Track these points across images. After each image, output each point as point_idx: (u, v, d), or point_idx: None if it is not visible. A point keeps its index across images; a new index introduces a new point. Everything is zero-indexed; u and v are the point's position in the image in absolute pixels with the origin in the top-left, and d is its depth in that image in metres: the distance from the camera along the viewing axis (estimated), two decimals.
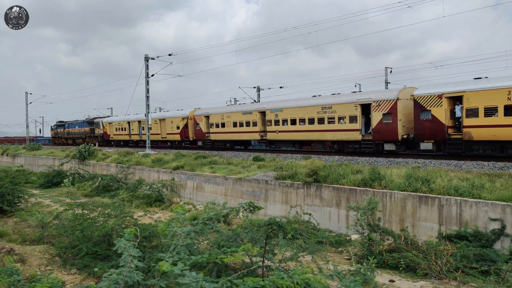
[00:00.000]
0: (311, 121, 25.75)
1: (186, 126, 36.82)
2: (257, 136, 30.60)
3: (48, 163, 36.57)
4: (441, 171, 13.66)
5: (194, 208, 19.19)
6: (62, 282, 5.72)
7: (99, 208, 11.71)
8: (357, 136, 23.23)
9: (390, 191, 12.88)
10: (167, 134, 39.80)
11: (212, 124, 34.51)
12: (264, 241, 7.32)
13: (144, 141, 39.39)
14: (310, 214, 13.47)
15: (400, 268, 9.55)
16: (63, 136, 59.33)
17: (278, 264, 6.80)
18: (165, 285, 4.24)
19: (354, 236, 12.22)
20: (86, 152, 33.07)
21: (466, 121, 18.68)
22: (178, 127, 37.93)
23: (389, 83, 42.45)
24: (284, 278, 3.96)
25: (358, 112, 23.17)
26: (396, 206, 12.61)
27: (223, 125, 33.43)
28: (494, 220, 10.54)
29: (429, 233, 11.43)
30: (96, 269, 8.68)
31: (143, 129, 40.98)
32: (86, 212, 11.60)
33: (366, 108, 23.01)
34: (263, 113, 30.01)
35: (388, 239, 10.85)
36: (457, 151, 19.34)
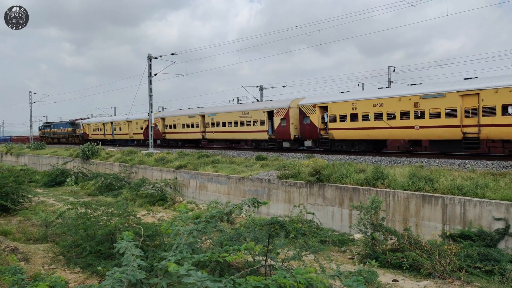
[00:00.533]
0: (236, 124, 32.18)
1: (147, 127, 41.06)
2: (199, 136, 36.48)
3: (51, 162, 36.73)
4: (444, 170, 13.61)
5: (197, 207, 19.21)
6: (65, 282, 5.73)
7: (102, 207, 11.74)
8: (265, 136, 29.79)
9: (393, 190, 12.84)
10: (133, 134, 45.95)
11: (167, 126, 40.85)
12: (267, 240, 7.32)
13: (117, 140, 49.29)
14: (313, 214, 13.47)
15: (404, 268, 9.52)
16: (49, 135, 65.32)
17: (281, 264, 6.79)
18: (167, 284, 4.25)
19: (357, 236, 12.20)
20: (90, 151, 33.18)
21: (330, 125, 24.72)
22: (141, 128, 43.90)
23: (392, 82, 42.31)
24: (287, 277, 3.95)
25: (265, 117, 29.68)
26: (400, 206, 12.57)
27: (175, 126, 39.67)
28: (498, 219, 10.50)
29: (433, 233, 11.39)
30: (99, 268, 8.71)
31: (115, 130, 48.89)
32: (89, 211, 11.63)
33: (271, 114, 29.34)
34: (203, 117, 36.08)
35: (391, 239, 10.82)
36: (326, 147, 25.42)
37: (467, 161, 16.28)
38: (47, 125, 67.66)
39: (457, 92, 18.79)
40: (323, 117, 25.32)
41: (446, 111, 19.24)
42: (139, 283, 4.37)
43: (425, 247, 9.89)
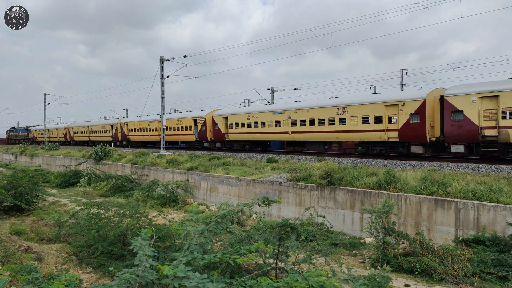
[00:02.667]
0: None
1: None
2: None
3: (65, 163, 37.20)
4: (457, 174, 13.44)
5: (208, 209, 19.27)
6: (80, 280, 5.79)
7: (114, 208, 11.85)
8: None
9: (405, 194, 12.73)
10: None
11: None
12: (278, 242, 7.30)
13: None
14: (324, 217, 13.41)
15: (416, 273, 9.42)
16: (13, 138, 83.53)
17: (291, 266, 6.78)
18: (178, 284, 4.27)
19: (368, 239, 12.11)
20: (102, 153, 33.55)
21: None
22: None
23: (405, 84, 41.96)
24: (299, 280, 3.94)
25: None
26: (412, 209, 12.45)
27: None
28: None
29: (445, 237, 11.26)
30: (111, 268, 8.78)
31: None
32: (101, 212, 11.74)
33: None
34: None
35: (403, 243, 10.72)
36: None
37: (481, 165, 16.06)
38: (12, 129, 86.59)
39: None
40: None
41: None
42: (150, 283, 4.40)
43: (437, 252, 9.78)
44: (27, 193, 18.42)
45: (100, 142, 51.69)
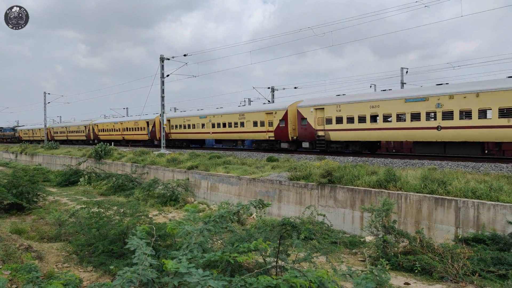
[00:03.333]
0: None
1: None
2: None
3: (65, 162, 37.22)
4: (458, 173, 13.45)
5: (208, 208, 19.29)
6: (79, 279, 5.80)
7: (115, 207, 11.86)
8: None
9: (405, 192, 12.74)
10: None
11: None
12: (278, 241, 7.31)
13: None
14: (324, 215, 13.42)
15: (416, 271, 9.43)
16: (1, 137, 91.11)
17: (292, 265, 6.79)
18: (178, 283, 4.28)
19: (369, 238, 12.13)
20: (102, 151, 33.56)
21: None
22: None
23: (405, 83, 41.93)
24: (298, 276, 3.95)
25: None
26: (412, 208, 12.46)
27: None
28: None
29: (445, 236, 11.27)
30: (111, 267, 8.80)
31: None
32: (102, 210, 11.76)
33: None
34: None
35: (403, 241, 10.73)
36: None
37: (481, 163, 16.07)
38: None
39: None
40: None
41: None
42: (150, 282, 4.41)
43: (437, 250, 9.79)
44: (27, 192, 18.45)
45: (76, 140, 62.61)
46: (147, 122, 45.63)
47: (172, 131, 41.68)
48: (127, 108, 75.30)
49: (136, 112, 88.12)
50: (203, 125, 37.05)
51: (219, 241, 8.42)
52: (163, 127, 33.84)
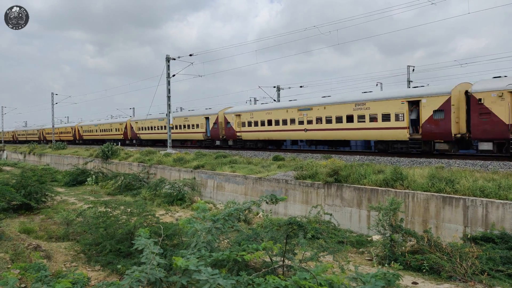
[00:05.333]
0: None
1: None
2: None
3: (73, 162, 37.47)
4: (466, 171, 13.35)
5: (215, 207, 19.31)
6: (87, 278, 5.84)
7: (122, 207, 11.91)
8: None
9: (412, 191, 12.67)
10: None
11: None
12: (285, 240, 7.30)
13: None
14: (330, 214, 13.36)
15: (424, 270, 9.37)
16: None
17: (298, 264, 6.77)
18: (186, 282, 4.29)
19: (376, 237, 12.07)
20: (109, 151, 33.72)
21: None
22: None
23: (412, 81, 41.64)
24: (307, 278, 3.93)
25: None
26: (419, 207, 12.39)
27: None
28: None
29: (454, 235, 11.19)
30: (119, 266, 8.84)
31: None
32: (109, 210, 11.81)
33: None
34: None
35: (410, 240, 10.67)
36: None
37: (489, 162, 15.93)
38: None
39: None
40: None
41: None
42: (158, 281, 4.42)
43: (445, 250, 9.72)
44: (36, 192, 18.58)
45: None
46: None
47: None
48: (133, 108, 75.63)
49: (143, 111, 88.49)
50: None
51: (226, 240, 8.42)
52: (169, 127, 33.93)
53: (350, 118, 24.43)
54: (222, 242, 8.37)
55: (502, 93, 17.70)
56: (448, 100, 19.86)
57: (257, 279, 4.14)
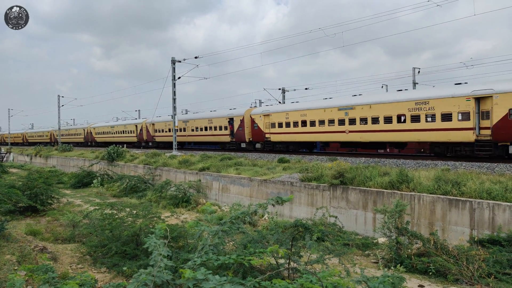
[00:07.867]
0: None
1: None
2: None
3: (78, 164, 37.65)
4: (472, 173, 13.26)
5: (220, 209, 19.32)
6: (94, 280, 5.86)
7: (127, 209, 11.96)
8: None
9: (418, 193, 12.61)
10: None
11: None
12: (290, 243, 7.30)
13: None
14: (336, 217, 13.36)
15: (430, 273, 9.33)
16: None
17: (304, 266, 6.76)
18: (193, 285, 4.30)
19: (381, 239, 12.03)
20: (115, 154, 33.86)
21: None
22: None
23: (417, 83, 41.50)
24: (313, 281, 3.92)
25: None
26: (425, 209, 12.33)
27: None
28: None
29: (460, 237, 11.12)
30: (124, 268, 8.87)
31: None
32: (115, 212, 11.86)
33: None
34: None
35: (416, 243, 10.62)
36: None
37: (496, 164, 15.83)
38: None
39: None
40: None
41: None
42: (165, 284, 4.43)
43: (452, 252, 9.67)
44: (42, 194, 18.69)
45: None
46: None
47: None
48: (139, 110, 75.80)
49: (148, 114, 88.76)
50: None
51: (231, 243, 8.43)
52: (174, 129, 34.02)
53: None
54: (228, 244, 8.38)
55: (148, 124, 42.18)
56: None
57: (263, 282, 4.14)
